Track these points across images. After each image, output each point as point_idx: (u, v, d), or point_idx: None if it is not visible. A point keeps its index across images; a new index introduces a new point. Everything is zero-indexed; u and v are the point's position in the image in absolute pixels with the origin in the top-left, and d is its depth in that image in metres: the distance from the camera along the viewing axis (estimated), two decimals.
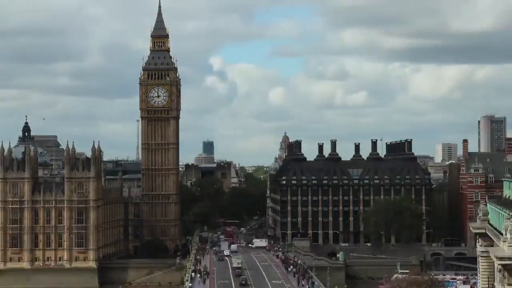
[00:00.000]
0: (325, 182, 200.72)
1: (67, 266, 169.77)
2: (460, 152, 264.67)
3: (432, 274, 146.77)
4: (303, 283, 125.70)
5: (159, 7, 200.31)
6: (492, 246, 77.32)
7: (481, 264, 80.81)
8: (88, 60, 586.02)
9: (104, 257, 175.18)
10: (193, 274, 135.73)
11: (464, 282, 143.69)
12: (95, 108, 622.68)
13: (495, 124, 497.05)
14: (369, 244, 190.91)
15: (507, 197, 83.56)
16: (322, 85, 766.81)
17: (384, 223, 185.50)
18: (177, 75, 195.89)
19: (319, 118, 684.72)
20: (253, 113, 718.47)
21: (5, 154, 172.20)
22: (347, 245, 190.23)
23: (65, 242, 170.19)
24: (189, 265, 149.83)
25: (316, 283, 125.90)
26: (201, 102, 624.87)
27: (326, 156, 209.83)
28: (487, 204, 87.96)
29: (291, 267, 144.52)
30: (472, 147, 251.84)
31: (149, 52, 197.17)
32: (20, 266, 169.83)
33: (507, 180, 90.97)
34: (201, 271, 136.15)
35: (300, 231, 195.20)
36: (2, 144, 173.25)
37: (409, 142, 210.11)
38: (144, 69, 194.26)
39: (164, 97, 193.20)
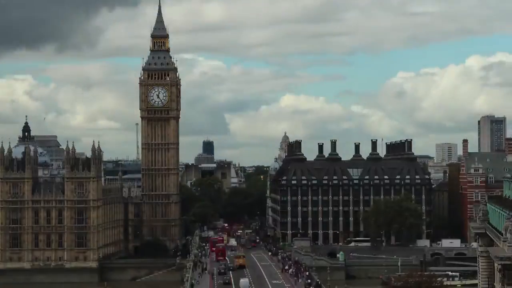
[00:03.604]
0: (325, 182, 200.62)
1: (67, 266, 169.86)
2: (460, 152, 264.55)
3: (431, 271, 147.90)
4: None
5: (159, 7, 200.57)
6: (492, 246, 77.41)
7: (481, 264, 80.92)
8: None
9: (104, 257, 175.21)
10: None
11: None
12: None
13: (495, 124, 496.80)
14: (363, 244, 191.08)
15: (507, 197, 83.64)
16: None
17: (384, 223, 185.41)
18: (177, 75, 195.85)
19: None
20: None
21: (5, 154, 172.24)
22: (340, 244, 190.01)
23: (65, 242, 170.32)
24: (189, 265, 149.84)
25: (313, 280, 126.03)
26: None
27: (326, 156, 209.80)
28: (487, 204, 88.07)
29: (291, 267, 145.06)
30: (472, 147, 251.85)
31: (149, 52, 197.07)
32: (20, 266, 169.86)
33: (507, 180, 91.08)
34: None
35: (300, 231, 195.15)
36: (2, 144, 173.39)
37: (409, 142, 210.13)
38: (144, 69, 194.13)
39: (164, 97, 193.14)
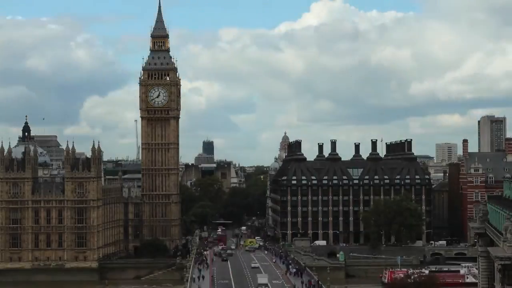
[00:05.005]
0: (325, 182, 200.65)
1: (67, 266, 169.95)
2: (460, 152, 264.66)
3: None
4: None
5: (159, 7, 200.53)
6: (492, 246, 77.42)
7: (481, 264, 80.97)
8: None
9: (104, 257, 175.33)
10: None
11: None
12: None
13: (495, 124, 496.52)
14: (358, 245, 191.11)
15: (507, 197, 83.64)
16: None
17: (384, 223, 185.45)
18: (177, 75, 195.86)
19: None
20: None
21: (5, 154, 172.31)
22: (345, 245, 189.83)
23: (65, 242, 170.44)
24: (190, 264, 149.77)
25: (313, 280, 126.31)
26: None
27: (326, 156, 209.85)
28: (487, 204, 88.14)
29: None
30: (472, 147, 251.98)
31: (149, 52, 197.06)
32: (20, 266, 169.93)
33: (507, 180, 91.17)
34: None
35: (300, 231, 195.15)
36: (2, 144, 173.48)
37: (409, 142, 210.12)
38: (144, 69, 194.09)
39: (164, 97, 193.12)
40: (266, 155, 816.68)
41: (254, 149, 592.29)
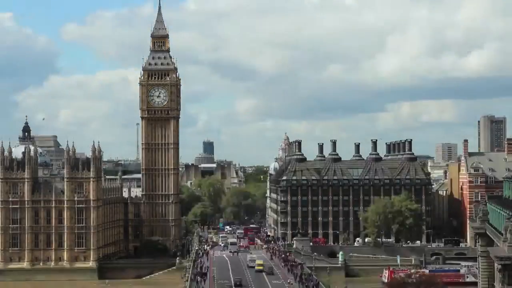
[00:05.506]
0: (325, 182, 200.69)
1: (67, 266, 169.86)
2: (460, 152, 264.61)
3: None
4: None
5: (159, 7, 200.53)
6: (492, 246, 77.47)
7: (481, 264, 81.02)
8: None
9: (104, 257, 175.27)
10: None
11: None
12: None
13: (495, 124, 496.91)
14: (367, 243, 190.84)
15: (507, 197, 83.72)
16: None
17: (384, 223, 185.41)
18: (177, 75, 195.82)
19: None
20: None
21: (5, 154, 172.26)
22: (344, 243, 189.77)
23: (65, 242, 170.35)
24: (189, 265, 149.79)
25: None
26: None
27: (326, 156, 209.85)
28: (487, 204, 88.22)
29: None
30: (472, 147, 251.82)
31: (149, 52, 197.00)
32: (20, 266, 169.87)
33: (507, 180, 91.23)
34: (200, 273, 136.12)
35: (300, 231, 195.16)
36: (2, 144, 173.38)
37: (409, 142, 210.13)
38: (144, 69, 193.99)
39: (164, 97, 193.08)
40: None
41: None
